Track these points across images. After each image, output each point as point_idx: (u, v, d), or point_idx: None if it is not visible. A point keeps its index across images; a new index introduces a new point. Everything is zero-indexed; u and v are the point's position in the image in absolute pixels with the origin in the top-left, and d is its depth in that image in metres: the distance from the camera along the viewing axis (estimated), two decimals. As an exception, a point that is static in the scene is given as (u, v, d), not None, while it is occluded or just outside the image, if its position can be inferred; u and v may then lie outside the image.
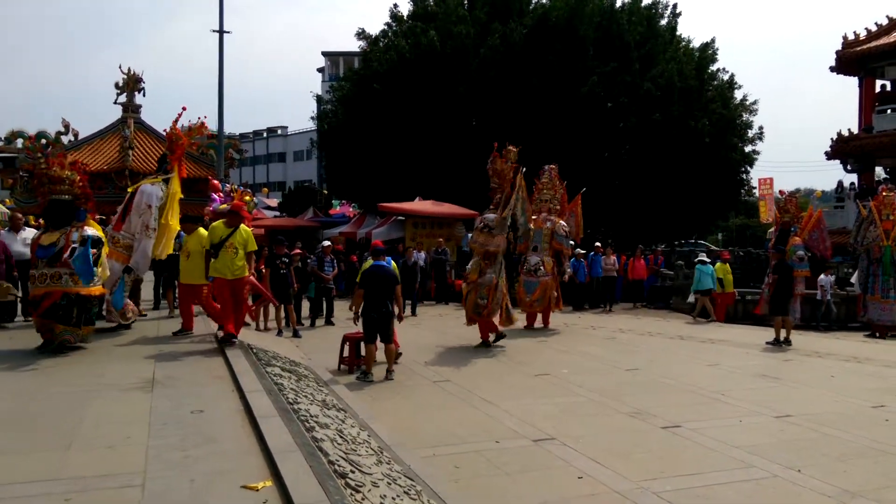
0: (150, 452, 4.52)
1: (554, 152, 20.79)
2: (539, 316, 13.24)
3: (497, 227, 10.77)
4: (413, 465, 4.80)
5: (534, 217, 13.24)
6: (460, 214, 20.55)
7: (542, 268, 12.83)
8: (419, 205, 21.08)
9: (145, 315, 11.31)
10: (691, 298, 16.46)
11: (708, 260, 16.39)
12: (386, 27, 27.34)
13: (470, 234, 12.55)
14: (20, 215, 11.69)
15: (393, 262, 8.90)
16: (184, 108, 9.67)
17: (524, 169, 12.12)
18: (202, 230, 9.27)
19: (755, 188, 32.03)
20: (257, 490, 3.94)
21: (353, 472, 4.34)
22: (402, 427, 6.01)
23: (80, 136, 29.60)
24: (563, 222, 13.25)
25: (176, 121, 10.20)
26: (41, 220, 9.97)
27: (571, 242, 13.87)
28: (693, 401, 7.38)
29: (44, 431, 4.97)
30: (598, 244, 18.87)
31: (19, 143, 28.79)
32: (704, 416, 6.74)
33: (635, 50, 24.44)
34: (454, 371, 8.71)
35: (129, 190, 10.04)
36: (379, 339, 8.18)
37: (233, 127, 79.90)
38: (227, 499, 3.85)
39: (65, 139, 30.40)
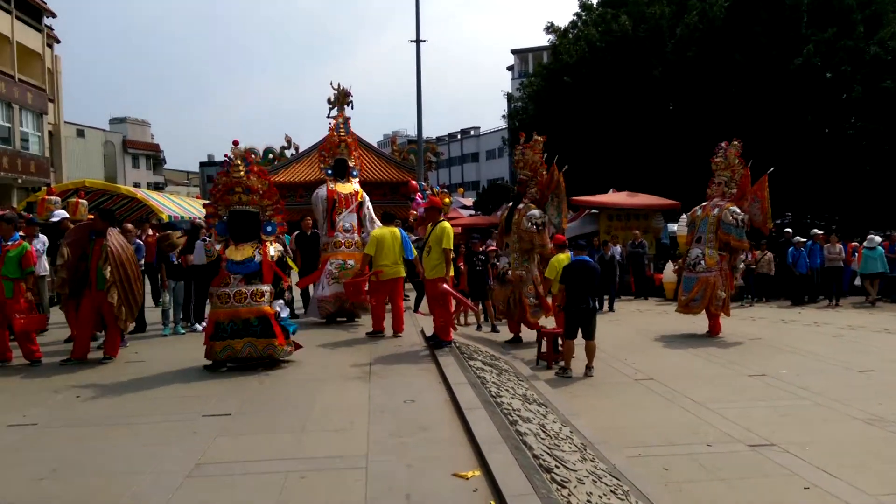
0: (370, 437, 4.91)
1: (762, 132, 19.13)
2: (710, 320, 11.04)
3: (547, 223, 10.27)
4: (618, 464, 4.72)
5: (703, 203, 11.52)
6: (658, 205, 19.66)
7: (702, 262, 10.86)
8: (613, 197, 20.51)
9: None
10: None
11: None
12: (575, 17, 27.01)
13: (670, 226, 11.76)
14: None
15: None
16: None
17: (565, 167, 10.93)
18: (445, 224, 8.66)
19: None
20: (467, 479, 4.12)
21: (557, 467, 4.37)
22: (605, 425, 5.93)
23: (300, 150, 32.85)
24: (735, 208, 10.83)
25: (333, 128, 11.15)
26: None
27: (744, 233, 10.94)
28: (945, 409, 6.43)
29: (282, 416, 5.60)
30: (816, 231, 17.04)
31: (270, 156, 32.53)
32: (961, 427, 5.86)
33: (858, 11, 21.69)
34: (657, 369, 8.39)
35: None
36: (581, 334, 8.14)
37: (430, 131, 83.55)
38: (439, 484, 4.07)
39: (287, 153, 33.89)
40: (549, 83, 25.43)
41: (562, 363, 8.27)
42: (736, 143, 11.22)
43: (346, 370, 7.20)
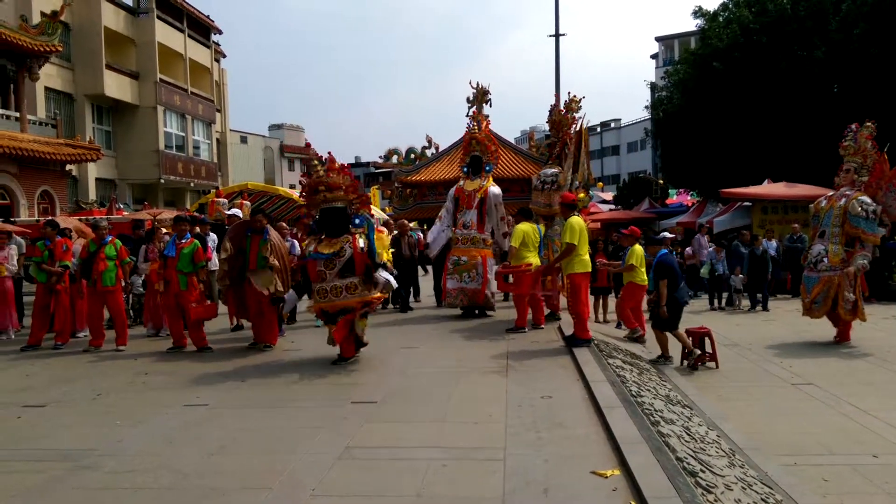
0: (508, 430, 4.98)
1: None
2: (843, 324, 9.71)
3: (560, 183, 9.63)
4: (771, 472, 4.46)
5: (829, 193, 10.21)
6: (819, 196, 18.12)
7: (825, 259, 9.56)
8: (769, 188, 19.15)
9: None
10: None
11: None
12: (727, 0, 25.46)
13: None
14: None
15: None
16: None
17: (588, 120, 10.39)
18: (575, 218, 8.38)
19: None
20: (606, 477, 4.07)
21: (703, 471, 4.20)
22: (756, 430, 5.60)
23: (440, 149, 33.66)
24: (865, 198, 9.42)
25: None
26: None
27: (880, 227, 9.53)
28: None
29: (424, 406, 5.82)
30: None
31: (394, 159, 33.83)
32: None
33: None
34: (816, 373, 7.77)
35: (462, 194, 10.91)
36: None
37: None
38: (578, 482, 4.06)
39: (428, 153, 34.84)
40: (697, 70, 24.17)
41: (662, 353, 8.20)
42: (869, 124, 9.83)
43: (483, 364, 7.33)
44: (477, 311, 10.85)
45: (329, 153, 7.82)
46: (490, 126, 11.71)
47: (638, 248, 9.09)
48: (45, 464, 4.55)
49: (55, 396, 6.42)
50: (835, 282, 9.39)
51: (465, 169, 11.12)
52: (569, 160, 10.40)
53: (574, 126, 10.84)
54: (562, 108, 11.18)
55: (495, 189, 11.08)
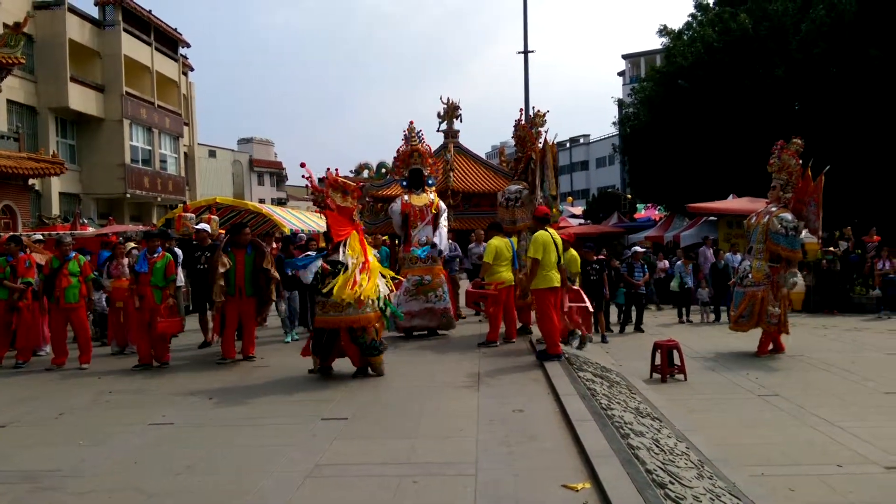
0: (479, 445, 4.97)
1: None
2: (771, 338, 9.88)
3: (525, 199, 9.69)
4: (739, 482, 4.51)
5: (758, 209, 10.50)
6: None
7: (749, 275, 9.83)
8: (733, 203, 19.57)
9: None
10: None
11: None
12: (690, 18, 26.12)
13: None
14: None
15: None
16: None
17: (556, 135, 10.37)
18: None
19: None
20: (576, 491, 4.08)
21: (672, 483, 4.24)
22: (724, 442, 5.67)
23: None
24: (785, 215, 9.64)
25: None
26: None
27: (801, 240, 9.80)
28: None
29: (394, 422, 5.77)
30: None
31: (365, 173, 33.70)
32: None
33: None
34: (783, 384, 7.92)
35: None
36: None
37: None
38: (548, 495, 4.06)
39: (398, 166, 34.75)
40: (663, 87, 24.69)
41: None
42: (796, 141, 10.02)
43: (454, 378, 7.32)
44: (425, 332, 10.39)
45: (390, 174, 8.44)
46: (426, 141, 11.22)
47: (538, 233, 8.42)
48: (6, 486, 4.41)
49: (16, 416, 6.24)
50: (758, 296, 9.66)
51: (404, 183, 10.73)
52: (537, 175, 10.39)
53: (539, 141, 10.76)
54: (526, 123, 11.09)
55: (443, 204, 10.83)
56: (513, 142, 11.71)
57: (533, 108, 11.22)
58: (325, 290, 7.17)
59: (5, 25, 21.89)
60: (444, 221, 10.52)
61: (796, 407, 6.86)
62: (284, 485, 4.31)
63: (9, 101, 24.98)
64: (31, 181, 22.60)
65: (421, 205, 10.41)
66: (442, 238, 10.35)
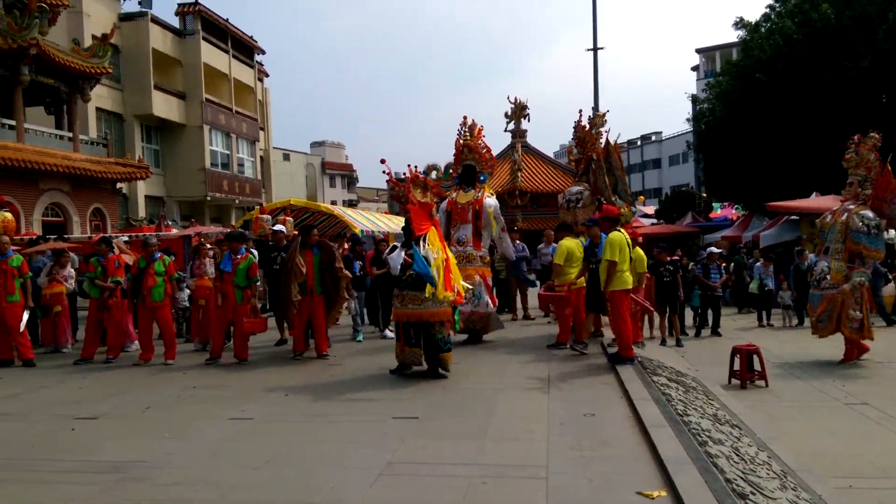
0: (550, 448, 4.93)
1: None
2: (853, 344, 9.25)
3: (586, 201, 9.37)
4: (825, 495, 4.30)
5: (834, 208, 9.81)
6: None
7: (827, 277, 9.25)
8: (817, 201, 18.64)
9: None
10: None
11: None
12: (768, 10, 25.04)
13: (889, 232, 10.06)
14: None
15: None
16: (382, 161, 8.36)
17: (618, 134, 9.90)
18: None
19: None
20: (652, 498, 3.99)
21: (753, 493, 4.09)
22: (809, 451, 5.41)
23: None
24: (866, 212, 9.06)
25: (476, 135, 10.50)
26: None
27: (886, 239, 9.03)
28: None
29: (464, 422, 5.80)
30: None
31: (433, 174, 33.89)
32: None
33: None
34: (872, 393, 7.49)
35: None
36: None
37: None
38: (623, 502, 3.99)
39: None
40: (740, 81, 23.78)
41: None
42: (874, 135, 9.46)
43: (524, 380, 7.29)
44: (483, 338, 10.13)
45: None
46: (483, 133, 10.64)
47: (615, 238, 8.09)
48: (95, 475, 4.66)
49: (106, 409, 6.59)
50: (838, 300, 9.08)
51: (457, 180, 10.27)
52: (600, 177, 10.13)
53: (600, 141, 10.48)
54: (586, 124, 10.79)
55: (492, 200, 10.28)
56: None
57: (592, 108, 10.99)
58: (427, 294, 7.32)
59: (93, 37, 23.16)
60: (490, 219, 10.01)
61: (886, 416, 6.48)
62: (358, 481, 4.38)
63: (98, 109, 26.43)
64: (118, 185, 23.86)
65: (464, 202, 9.99)
66: (503, 237, 10.15)
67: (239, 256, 9.00)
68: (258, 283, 10.35)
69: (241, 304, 8.91)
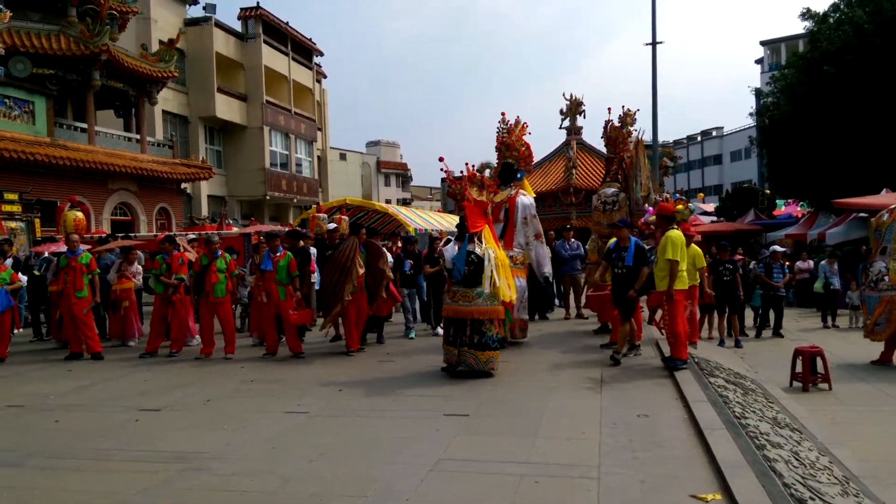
0: (602, 448, 4.89)
1: None
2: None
3: (622, 203, 9.11)
4: (889, 501, 4.15)
5: (891, 206, 9.40)
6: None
7: (886, 278, 8.97)
8: (887, 198, 17.82)
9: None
10: None
11: None
12: (837, 0, 24.08)
13: None
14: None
15: None
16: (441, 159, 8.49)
17: (642, 132, 9.63)
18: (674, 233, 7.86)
19: None
20: (706, 502, 3.92)
21: (812, 499, 3.97)
22: (873, 457, 5.22)
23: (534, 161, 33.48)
24: None
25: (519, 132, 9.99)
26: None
27: None
28: None
29: (516, 420, 5.80)
30: None
31: (487, 172, 33.85)
32: None
33: None
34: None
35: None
36: None
37: (666, 134, 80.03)
38: (676, 504, 3.94)
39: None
40: (806, 74, 22.92)
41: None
42: None
43: (576, 379, 7.23)
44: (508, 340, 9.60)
45: (484, 166, 8.91)
46: (528, 130, 10.09)
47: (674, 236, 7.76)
48: (159, 465, 4.86)
49: (169, 401, 6.86)
50: None
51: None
52: (633, 180, 9.91)
53: (630, 140, 10.25)
54: (617, 122, 10.53)
55: (525, 199, 9.80)
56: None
57: (622, 107, 10.67)
58: (487, 293, 7.38)
59: (160, 42, 24.03)
60: (524, 217, 9.60)
61: (962, 424, 6.19)
62: (409, 476, 4.45)
63: (164, 112, 27.43)
64: (183, 185, 24.72)
65: (498, 201, 9.52)
66: (532, 238, 9.68)
67: (278, 254, 9.25)
68: (312, 281, 10.56)
69: (284, 300, 9.16)
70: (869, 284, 9.32)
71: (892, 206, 9.51)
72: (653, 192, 10.10)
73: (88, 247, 11.10)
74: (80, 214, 13.93)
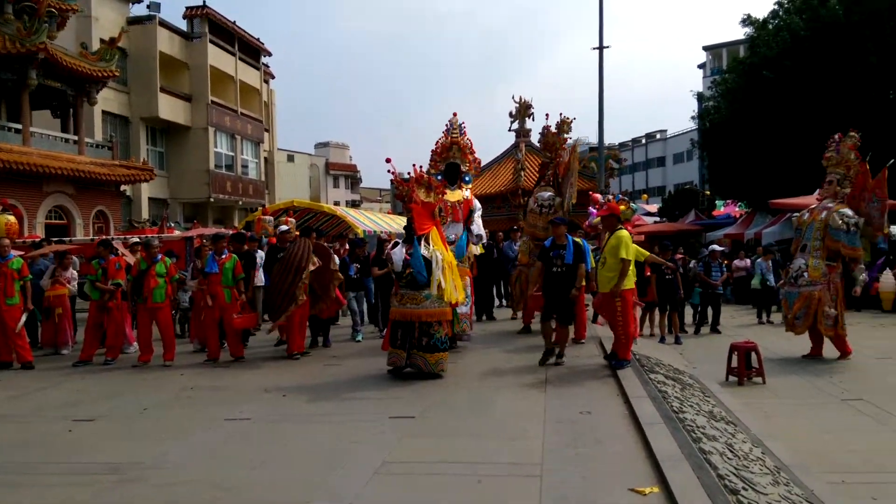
0: (545, 446, 4.95)
1: None
2: (828, 341, 9.35)
3: (557, 206, 9.47)
4: (817, 490, 4.31)
5: (811, 206, 9.83)
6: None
7: (805, 274, 9.26)
8: (813, 198, 18.59)
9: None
10: None
11: None
12: (776, 6, 24.98)
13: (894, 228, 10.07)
14: None
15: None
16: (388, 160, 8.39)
17: (576, 140, 9.88)
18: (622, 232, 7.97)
19: None
20: (644, 495, 4.01)
21: (745, 489, 4.10)
22: (803, 448, 5.41)
23: (482, 164, 33.71)
24: (846, 210, 9.11)
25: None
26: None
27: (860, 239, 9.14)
28: None
29: (461, 421, 5.82)
30: None
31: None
32: None
33: None
34: (868, 389, 7.48)
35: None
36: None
37: (612, 136, 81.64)
38: (615, 499, 4.01)
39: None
40: (746, 79, 23.73)
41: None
42: (853, 134, 9.53)
43: (521, 379, 7.30)
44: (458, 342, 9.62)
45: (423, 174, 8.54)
46: (468, 134, 10.33)
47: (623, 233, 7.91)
48: (94, 476, 4.70)
49: (104, 411, 6.63)
50: (815, 297, 9.12)
51: (439, 177, 9.75)
52: (566, 186, 10.10)
53: (565, 147, 10.45)
54: (553, 129, 10.66)
55: (477, 202, 10.17)
56: (588, 141, 11.48)
57: (560, 114, 10.87)
58: (437, 295, 7.42)
59: (101, 41, 23.27)
60: (477, 218, 10.02)
61: (883, 412, 6.48)
62: (353, 480, 4.42)
63: (104, 112, 26.55)
64: (122, 187, 23.96)
65: (454, 201, 9.70)
66: (481, 230, 10.03)
67: (223, 256, 9.10)
68: (260, 284, 10.39)
69: (230, 302, 9.03)
70: (789, 280, 9.60)
71: (812, 206, 9.85)
72: (570, 200, 10.23)
73: (20, 252, 10.65)
74: (12, 218, 13.38)
